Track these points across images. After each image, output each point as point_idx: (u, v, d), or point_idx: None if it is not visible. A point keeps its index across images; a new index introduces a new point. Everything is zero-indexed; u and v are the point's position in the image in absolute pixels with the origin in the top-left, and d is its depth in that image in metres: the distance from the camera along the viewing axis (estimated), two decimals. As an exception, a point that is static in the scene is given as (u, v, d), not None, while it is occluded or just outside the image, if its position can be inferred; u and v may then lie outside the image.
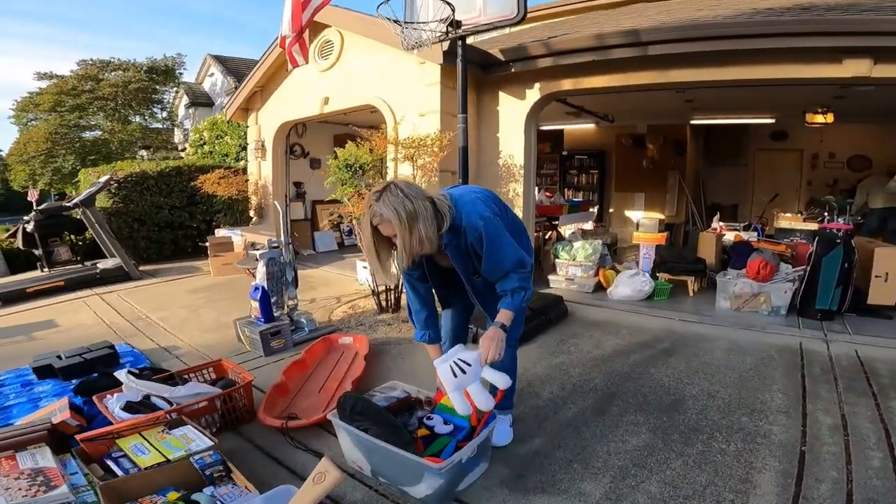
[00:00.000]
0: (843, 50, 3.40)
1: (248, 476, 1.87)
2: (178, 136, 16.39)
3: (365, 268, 5.25)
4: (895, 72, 3.41)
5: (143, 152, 15.87)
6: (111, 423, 2.07)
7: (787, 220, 6.76)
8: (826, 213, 4.26)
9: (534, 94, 4.63)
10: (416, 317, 2.14)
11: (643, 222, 5.77)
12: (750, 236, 6.09)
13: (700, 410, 2.52)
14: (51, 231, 6.27)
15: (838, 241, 4.03)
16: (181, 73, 17.02)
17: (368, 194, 1.76)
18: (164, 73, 16.45)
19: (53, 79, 15.89)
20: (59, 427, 2.10)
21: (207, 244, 6.34)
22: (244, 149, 8.28)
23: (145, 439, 1.91)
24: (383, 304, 4.37)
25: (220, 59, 14.72)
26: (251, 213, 7.41)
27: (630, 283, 4.69)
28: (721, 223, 6.35)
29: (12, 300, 5.06)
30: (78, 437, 1.96)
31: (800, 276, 4.30)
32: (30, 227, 6.01)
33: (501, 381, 1.79)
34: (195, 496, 1.65)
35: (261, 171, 7.28)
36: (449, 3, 3.00)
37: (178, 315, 4.48)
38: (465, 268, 1.91)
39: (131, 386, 2.32)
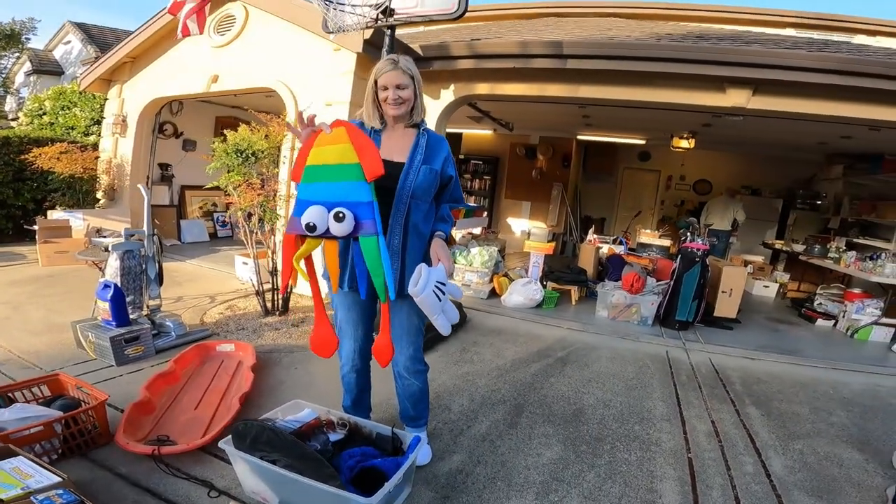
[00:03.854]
0: (728, 80, 3.82)
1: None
2: (10, 103, 13.83)
3: (245, 263, 4.71)
4: (767, 104, 3.93)
5: None
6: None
7: (646, 236, 7.58)
8: (689, 233, 4.82)
9: (449, 94, 4.58)
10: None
11: (534, 231, 6.06)
12: (618, 250, 6.78)
13: (600, 420, 2.68)
14: None
15: (697, 259, 4.63)
16: (28, 39, 14.31)
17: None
18: (7, 37, 13.47)
19: None
20: None
21: (36, 227, 5.21)
22: (97, 123, 7.19)
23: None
24: (269, 305, 3.98)
25: (83, 27, 12.82)
26: (99, 195, 6.33)
27: (523, 292, 4.89)
28: (595, 235, 6.96)
29: None
30: None
31: (663, 290, 4.88)
32: None
33: (457, 292, 1.81)
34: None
35: (117, 148, 6.36)
36: (386, -12, 2.74)
37: (-6, 312, 3.58)
38: (426, 179, 1.83)
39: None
